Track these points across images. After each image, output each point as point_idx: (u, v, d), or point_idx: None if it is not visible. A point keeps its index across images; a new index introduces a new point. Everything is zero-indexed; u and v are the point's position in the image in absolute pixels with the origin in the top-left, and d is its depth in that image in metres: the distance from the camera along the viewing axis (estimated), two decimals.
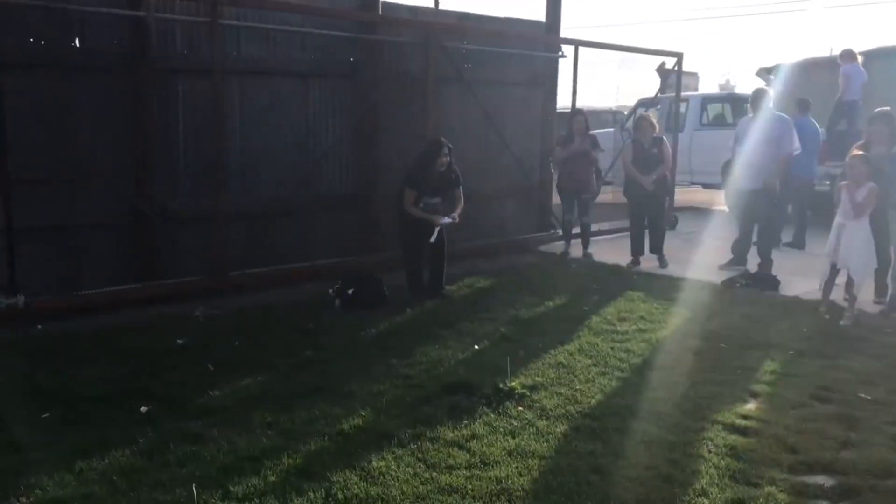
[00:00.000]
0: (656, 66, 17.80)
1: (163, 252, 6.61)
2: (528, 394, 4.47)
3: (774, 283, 7.35)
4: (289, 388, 4.52)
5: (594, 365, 5.06)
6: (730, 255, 8.41)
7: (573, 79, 9.40)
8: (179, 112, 6.62)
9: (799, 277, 7.45)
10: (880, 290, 6.82)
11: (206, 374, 4.75)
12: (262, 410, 4.17)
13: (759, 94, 7.96)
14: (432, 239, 6.63)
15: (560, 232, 9.34)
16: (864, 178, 6.11)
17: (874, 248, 6.22)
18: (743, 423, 4.14)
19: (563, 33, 9.69)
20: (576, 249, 8.99)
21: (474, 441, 3.85)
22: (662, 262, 8.27)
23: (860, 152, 6.30)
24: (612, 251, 9.09)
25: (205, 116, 6.65)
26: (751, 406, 4.43)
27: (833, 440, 3.94)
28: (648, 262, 8.40)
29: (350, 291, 6.37)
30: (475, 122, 8.73)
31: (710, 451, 3.80)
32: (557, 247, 9.25)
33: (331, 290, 6.58)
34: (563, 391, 4.55)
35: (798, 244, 9.54)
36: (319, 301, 6.53)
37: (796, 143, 7.95)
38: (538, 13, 9.60)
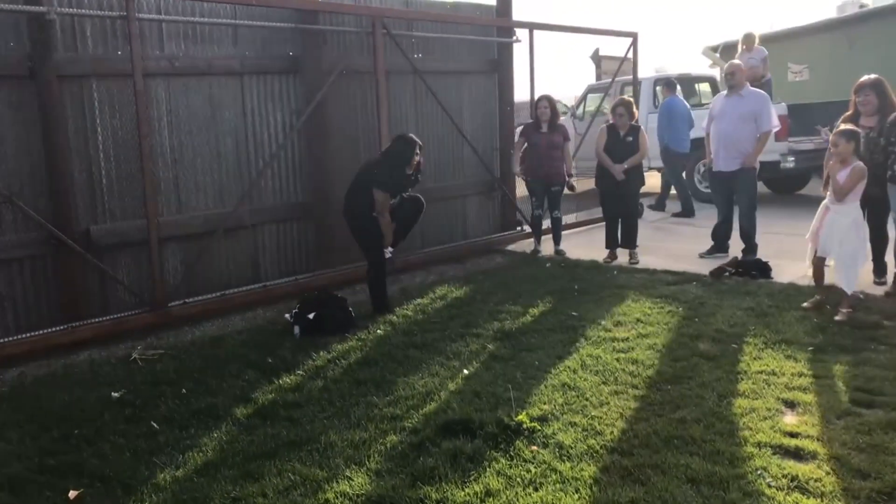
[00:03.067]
0: (590, 54, 17.54)
1: (88, 286, 5.72)
2: (539, 427, 3.80)
3: (766, 270, 6.86)
4: (253, 444, 3.75)
5: (604, 383, 4.42)
6: (709, 242, 7.94)
7: (530, 63, 8.80)
8: (96, 122, 5.72)
9: (786, 260, 6.98)
10: (880, 269, 6.41)
11: (150, 434, 3.93)
12: (222, 480, 3.38)
13: (733, 70, 7.46)
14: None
15: (528, 229, 8.73)
16: (848, 156, 5.53)
17: (861, 234, 5.62)
18: (793, 443, 3.56)
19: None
20: (546, 246, 8.39)
21: (490, 500, 3.16)
22: (633, 258, 7.71)
23: (847, 127, 5.75)
24: (583, 246, 8.52)
25: (127, 126, 5.78)
26: (791, 419, 3.86)
27: None
28: (624, 255, 7.86)
29: (311, 316, 5.58)
30: (431, 115, 8.04)
31: (770, 487, 3.19)
32: (526, 245, 8.62)
33: (288, 315, 5.80)
34: (577, 420, 3.90)
35: (687, 213, 10.55)
36: (275, 329, 5.75)
37: (775, 120, 7.49)
38: None
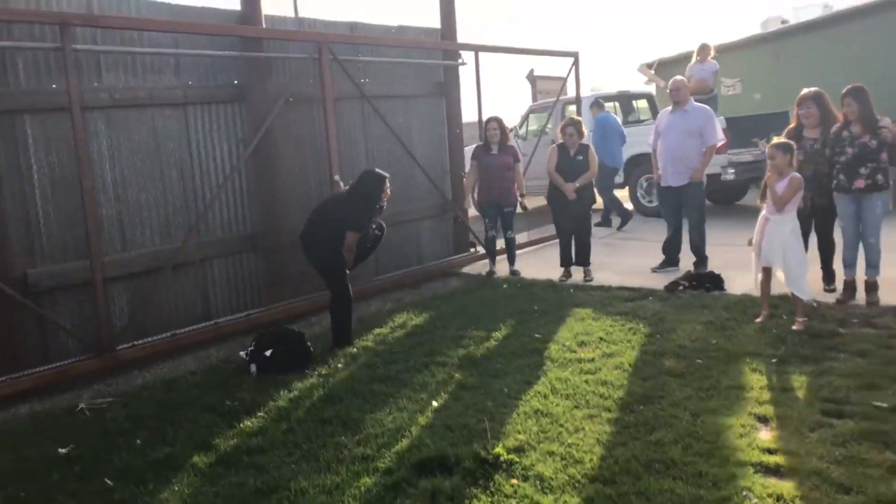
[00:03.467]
0: (526, 74, 17.76)
1: (27, 333, 5.38)
2: (517, 459, 3.70)
3: (719, 282, 6.94)
4: (219, 497, 3.54)
5: (576, 407, 4.35)
6: (660, 257, 8.01)
7: (476, 86, 8.78)
8: (31, 159, 5.42)
9: (734, 272, 7.05)
10: (828, 276, 6.55)
11: (103, 492, 3.68)
12: None
13: (678, 86, 7.58)
14: None
15: (482, 250, 8.67)
16: (785, 167, 5.62)
17: (801, 241, 5.70)
18: (772, 460, 3.55)
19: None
20: (501, 267, 8.34)
21: None
22: (588, 275, 7.72)
23: (780, 140, 5.83)
24: (537, 265, 8.51)
25: (65, 162, 5.50)
26: (766, 435, 3.86)
27: (878, 467, 3.41)
28: (578, 273, 7.86)
29: (268, 353, 5.37)
30: (381, 140, 7.92)
31: None
32: (481, 266, 8.55)
33: (243, 353, 5.58)
34: (555, 449, 3.81)
35: (605, 223, 11.22)
36: (231, 368, 5.53)
37: (720, 134, 7.64)
38: (429, 22, 8.92)
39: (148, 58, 6.05)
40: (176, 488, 3.66)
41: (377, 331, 6.23)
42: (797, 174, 5.62)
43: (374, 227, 6.09)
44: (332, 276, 5.87)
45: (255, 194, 6.82)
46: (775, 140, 5.79)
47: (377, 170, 6.10)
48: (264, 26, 6.72)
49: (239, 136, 6.67)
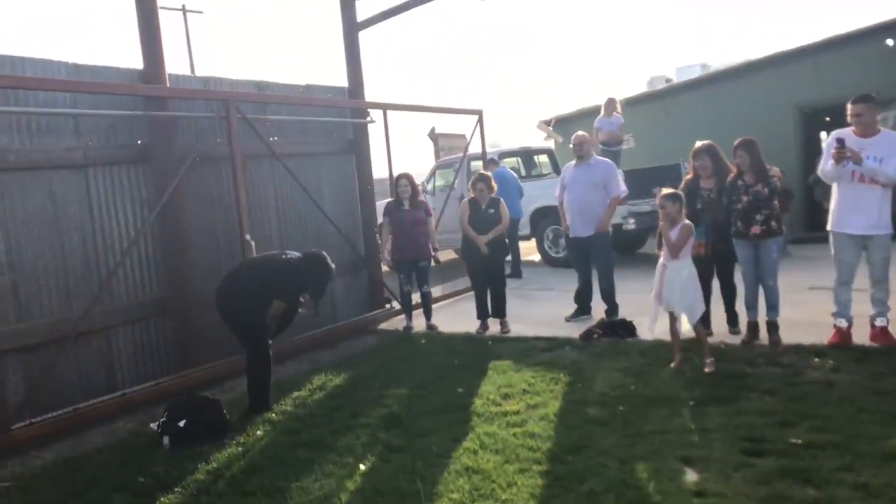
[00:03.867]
0: (427, 132, 18.12)
1: None
2: None
3: (631, 329, 7.13)
4: None
5: (506, 462, 4.32)
6: (572, 306, 8.19)
7: (386, 143, 8.84)
8: None
9: (645, 318, 7.26)
10: (732, 318, 6.84)
11: None
12: None
13: (581, 141, 7.87)
14: None
15: (397, 306, 8.62)
16: (676, 216, 5.87)
17: (697, 285, 5.92)
18: (703, 503, 3.61)
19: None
20: (417, 322, 8.30)
21: None
22: (504, 327, 7.80)
23: (669, 191, 6.05)
24: (453, 318, 8.53)
25: None
26: (694, 477, 3.93)
27: (801, 503, 3.53)
28: (495, 325, 7.92)
29: (181, 423, 5.10)
30: (292, 197, 7.83)
31: None
32: (397, 322, 8.49)
33: (153, 425, 5.28)
34: None
35: (515, 274, 11.22)
36: (141, 442, 5.21)
37: (623, 186, 7.95)
38: (337, 81, 8.98)
39: (44, 118, 5.79)
40: None
41: (296, 394, 6.04)
42: (688, 221, 5.89)
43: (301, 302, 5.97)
44: (251, 337, 5.68)
45: (163, 257, 6.56)
46: (664, 191, 6.07)
47: (328, 261, 5.95)
48: (168, 85, 6.58)
49: (144, 198, 6.44)
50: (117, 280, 6.20)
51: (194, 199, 6.82)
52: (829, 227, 6.08)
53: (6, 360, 5.36)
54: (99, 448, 5.15)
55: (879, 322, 5.94)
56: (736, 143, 6.35)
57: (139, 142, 6.47)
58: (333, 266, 5.93)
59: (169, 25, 27.85)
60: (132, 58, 6.68)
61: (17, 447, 5.13)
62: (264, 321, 5.65)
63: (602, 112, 12.13)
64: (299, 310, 5.96)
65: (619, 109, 12.09)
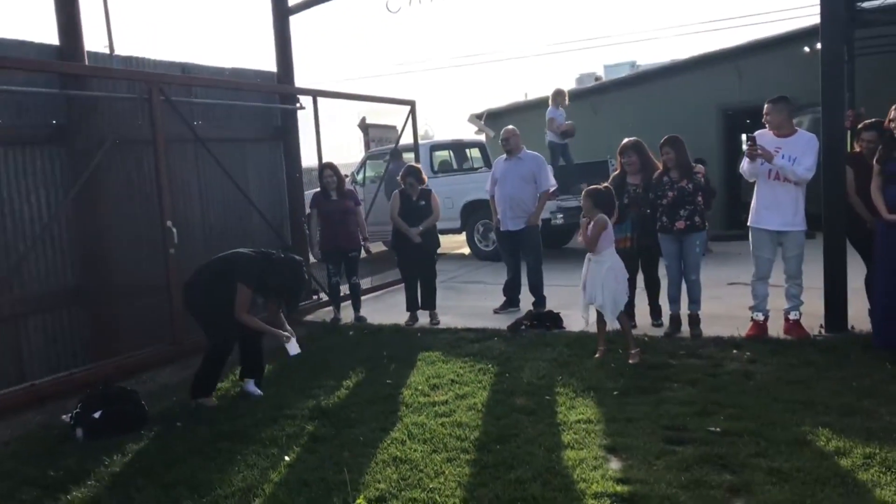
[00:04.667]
0: (357, 122, 17.97)
1: None
2: None
3: (558, 321, 7.23)
4: None
5: (434, 451, 4.31)
6: (500, 298, 8.24)
7: (316, 131, 8.69)
8: None
9: (571, 311, 7.38)
10: (655, 312, 7.01)
11: None
12: None
13: (509, 136, 7.91)
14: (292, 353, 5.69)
15: (325, 297, 8.50)
16: (590, 210, 5.98)
17: (620, 277, 5.99)
18: (626, 489, 3.68)
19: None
20: (345, 314, 8.21)
21: None
22: (434, 319, 7.78)
23: (590, 188, 6.15)
24: (382, 310, 8.46)
25: None
26: (617, 465, 4.01)
27: (718, 488, 3.64)
28: (424, 317, 7.90)
29: (96, 414, 4.89)
30: (215, 185, 7.60)
31: None
32: (325, 314, 8.37)
33: (66, 417, 5.06)
34: (416, 495, 3.73)
35: None
36: (52, 435, 4.97)
37: (552, 180, 8.04)
38: (265, 65, 8.78)
39: None
40: None
41: (218, 385, 5.86)
42: (602, 215, 5.95)
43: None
44: (213, 326, 5.48)
45: (78, 243, 6.27)
46: (585, 189, 6.18)
47: (302, 268, 5.77)
48: (87, 63, 6.28)
49: (59, 181, 6.14)
50: (28, 267, 5.89)
51: (113, 184, 6.54)
52: (748, 223, 6.30)
53: None
54: (5, 441, 4.90)
55: (793, 315, 6.18)
56: (663, 140, 6.51)
57: (54, 122, 6.15)
58: (305, 276, 5.75)
59: (88, 1, 26.74)
60: (48, 34, 6.34)
61: None
62: (230, 309, 5.35)
63: (550, 103, 11.98)
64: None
65: (566, 102, 12.01)
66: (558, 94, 12.05)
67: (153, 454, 4.50)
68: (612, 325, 6.04)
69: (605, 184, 6.47)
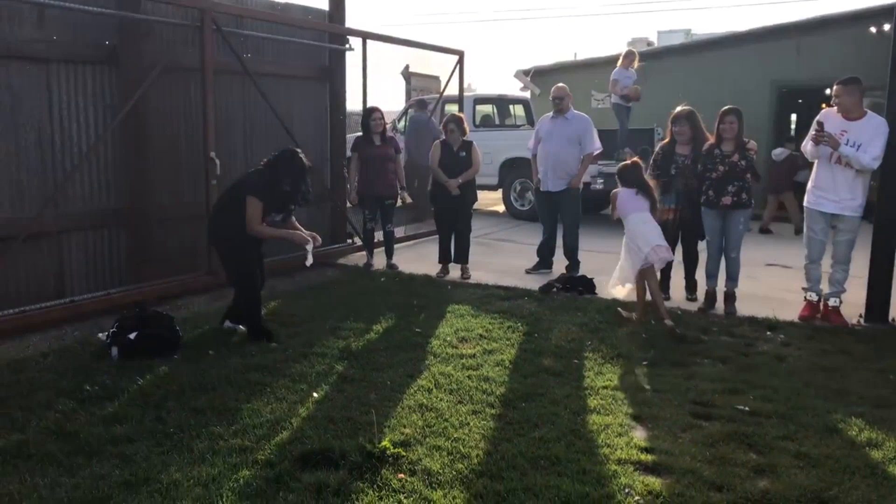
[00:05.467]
0: (401, 70, 17.75)
1: None
2: (404, 453, 3.61)
3: (591, 286, 7.18)
4: (79, 489, 3.20)
5: (460, 402, 4.33)
6: (533, 258, 8.20)
7: (363, 74, 8.62)
8: None
9: (605, 277, 7.33)
10: (690, 286, 6.93)
11: None
12: None
13: (562, 94, 7.77)
14: (308, 262, 5.45)
15: (359, 241, 8.52)
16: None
17: (632, 248, 6.02)
18: (650, 458, 3.67)
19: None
20: (378, 260, 8.24)
21: None
22: (465, 273, 7.76)
23: (626, 162, 6.32)
24: (414, 260, 8.48)
25: None
26: (642, 434, 3.99)
27: (743, 467, 3.60)
28: (455, 270, 7.90)
29: (132, 335, 4.98)
30: (260, 119, 7.59)
31: None
32: (358, 258, 8.41)
33: (102, 335, 5.16)
34: (441, 443, 3.76)
35: None
36: (88, 351, 5.08)
37: (598, 143, 7.90)
38: (318, 3, 8.68)
39: (5, 5, 5.45)
40: (28, 480, 3.29)
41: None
42: (619, 188, 6.21)
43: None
44: (233, 267, 5.43)
45: (122, 167, 6.33)
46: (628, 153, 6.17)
47: (301, 155, 5.42)
48: None
49: (107, 103, 6.17)
50: (74, 185, 5.96)
51: (160, 110, 6.56)
52: (804, 204, 6.15)
53: None
54: (44, 353, 5.01)
55: (832, 302, 6.08)
56: (727, 108, 6.28)
57: (107, 42, 6.16)
58: (305, 166, 5.39)
59: None
60: None
61: None
62: (240, 234, 5.25)
63: (619, 63, 11.16)
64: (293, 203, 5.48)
65: (636, 64, 11.15)
66: (629, 54, 11.16)
67: (185, 379, 4.57)
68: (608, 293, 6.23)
69: (635, 158, 6.40)
